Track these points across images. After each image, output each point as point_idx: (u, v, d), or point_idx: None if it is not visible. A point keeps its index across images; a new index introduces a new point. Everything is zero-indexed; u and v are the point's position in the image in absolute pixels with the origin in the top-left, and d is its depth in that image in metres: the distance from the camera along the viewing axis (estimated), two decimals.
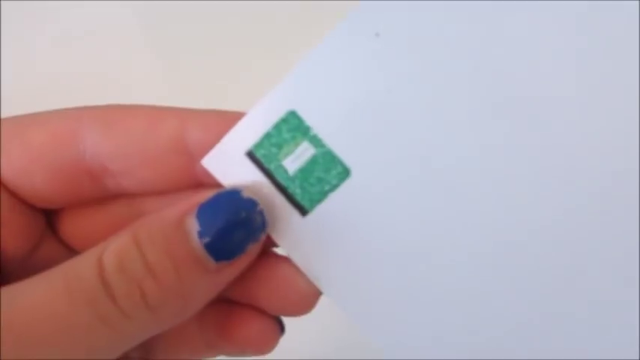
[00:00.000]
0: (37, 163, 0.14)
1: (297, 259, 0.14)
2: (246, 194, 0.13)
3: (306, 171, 0.13)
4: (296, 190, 0.13)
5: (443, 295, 0.15)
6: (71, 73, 0.40)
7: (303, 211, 0.13)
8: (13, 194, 0.14)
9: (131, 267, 0.12)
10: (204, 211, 0.12)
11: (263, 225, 0.13)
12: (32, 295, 0.11)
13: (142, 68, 0.40)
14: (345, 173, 0.13)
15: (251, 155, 0.13)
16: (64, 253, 0.15)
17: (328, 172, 0.13)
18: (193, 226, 0.12)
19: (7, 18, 0.42)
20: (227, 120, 0.13)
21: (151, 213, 0.13)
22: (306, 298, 0.15)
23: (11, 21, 0.42)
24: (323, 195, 0.13)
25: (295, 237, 0.14)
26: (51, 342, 0.11)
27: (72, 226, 0.15)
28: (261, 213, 0.13)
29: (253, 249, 0.13)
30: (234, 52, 0.38)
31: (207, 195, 0.13)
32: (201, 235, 0.12)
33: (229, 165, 0.13)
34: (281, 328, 0.16)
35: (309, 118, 0.13)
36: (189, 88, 0.39)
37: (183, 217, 0.12)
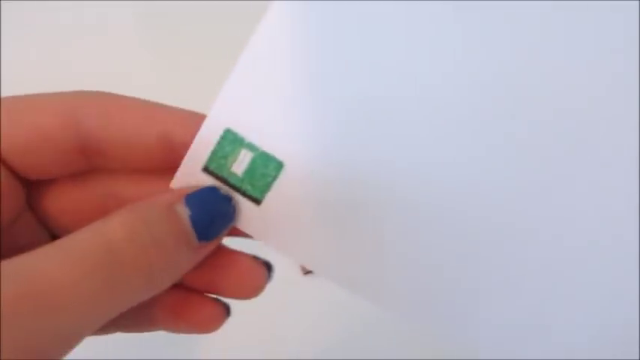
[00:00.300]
0: (38, 140, 0.15)
1: (263, 239, 0.17)
2: (223, 191, 0.16)
3: (250, 171, 0.17)
4: (247, 187, 0.17)
5: (400, 237, 0.18)
6: (71, 73, 0.40)
7: (257, 201, 0.17)
8: (6, 165, 0.15)
9: (140, 239, 0.14)
10: (193, 201, 0.15)
11: (234, 215, 0.16)
12: (47, 265, 0.12)
13: (141, 68, 0.40)
14: (279, 165, 0.17)
15: (207, 170, 0.17)
16: (36, 227, 0.17)
17: (266, 167, 0.16)
18: (184, 210, 0.15)
19: (7, 18, 0.42)
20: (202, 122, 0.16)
21: (123, 193, 0.16)
22: (256, 284, 0.17)
23: (11, 21, 0.42)
24: (268, 185, 0.17)
25: (257, 223, 0.17)
26: (67, 308, 0.12)
27: (49, 201, 0.17)
28: (233, 206, 0.16)
29: (223, 234, 0.16)
30: (233, 53, 0.38)
31: (191, 188, 0.16)
32: (192, 218, 0.15)
33: (193, 181, 0.16)
34: (227, 312, 0.18)
35: (242, 129, 0.16)
36: (188, 88, 0.39)
37: (175, 203, 0.15)
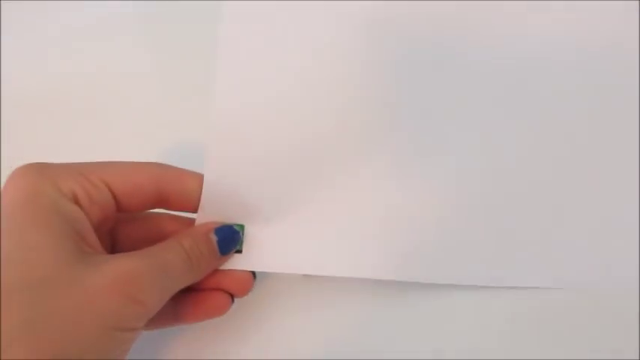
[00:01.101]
0: (136, 190, 0.25)
1: (252, 268, 0.28)
2: (235, 227, 0.27)
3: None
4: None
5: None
6: (71, 73, 0.40)
7: (240, 251, 0.28)
8: (117, 205, 0.24)
9: (195, 251, 0.25)
10: (218, 232, 0.26)
11: (239, 241, 0.27)
12: (167, 257, 0.24)
13: (141, 68, 0.40)
14: (241, 227, 0.28)
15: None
16: (108, 247, 0.26)
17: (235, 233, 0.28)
18: (214, 237, 0.26)
19: (7, 18, 0.42)
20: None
21: (166, 228, 0.27)
22: (246, 281, 0.28)
23: (11, 21, 0.42)
24: (241, 243, 0.28)
25: (244, 262, 0.28)
26: (177, 277, 0.24)
27: (121, 229, 0.27)
28: (239, 235, 0.27)
29: (232, 253, 0.27)
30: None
31: (216, 223, 0.27)
32: (218, 242, 0.26)
33: (210, 218, 0.28)
34: (232, 299, 0.27)
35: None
36: (187, 87, 0.39)
37: (208, 232, 0.26)
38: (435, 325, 0.31)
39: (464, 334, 0.31)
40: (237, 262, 0.27)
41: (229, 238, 0.26)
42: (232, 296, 0.27)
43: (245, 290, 0.28)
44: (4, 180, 0.35)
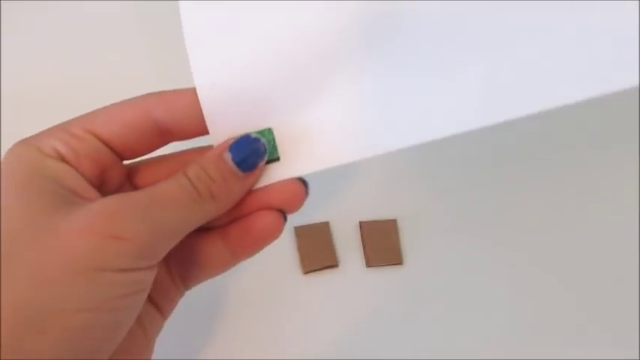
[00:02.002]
0: (127, 130, 0.23)
1: (300, 173, 0.24)
2: (253, 135, 0.23)
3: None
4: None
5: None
6: (70, 73, 0.40)
7: (277, 159, 0.24)
8: (114, 151, 0.23)
9: (203, 178, 0.22)
10: (233, 147, 0.22)
11: (265, 150, 0.23)
12: (162, 188, 0.21)
13: (141, 67, 0.40)
14: (270, 130, 0.24)
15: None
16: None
17: (264, 137, 0.23)
18: (229, 155, 0.22)
19: (7, 18, 0.42)
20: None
21: (192, 161, 0.23)
22: (295, 193, 0.24)
23: (11, 21, 0.42)
24: (274, 147, 0.23)
25: (286, 170, 0.24)
26: (175, 208, 0.21)
27: (140, 178, 0.25)
28: (263, 144, 0.23)
29: (261, 165, 0.23)
30: None
31: (232, 139, 0.23)
32: (233, 159, 0.22)
33: (227, 135, 0.24)
34: (284, 216, 0.24)
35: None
36: (189, 85, 0.39)
37: (222, 152, 0.22)
38: (435, 325, 0.31)
39: (464, 334, 0.31)
40: (277, 172, 0.24)
41: (248, 150, 0.22)
42: (283, 213, 0.24)
43: (296, 202, 0.24)
44: None
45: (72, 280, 0.18)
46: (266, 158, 0.23)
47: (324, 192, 0.33)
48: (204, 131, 0.24)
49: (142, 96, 0.23)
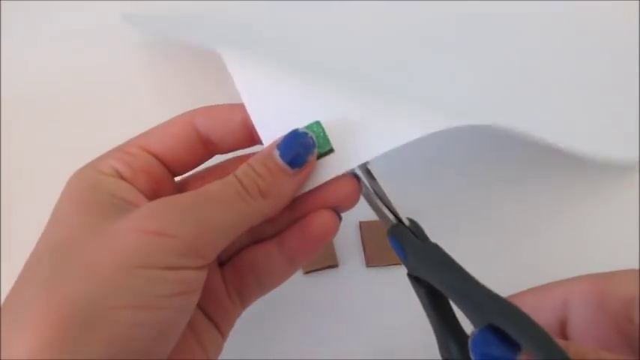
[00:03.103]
0: (175, 143, 0.24)
1: (357, 163, 0.24)
2: (300, 130, 0.23)
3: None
4: (319, 152, 0.23)
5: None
6: (70, 73, 0.40)
7: (332, 151, 0.24)
8: (166, 165, 0.24)
9: (250, 175, 0.22)
10: (281, 144, 0.22)
11: (313, 144, 0.23)
12: (209, 187, 0.22)
13: (140, 68, 0.40)
14: (318, 123, 0.23)
15: None
16: None
17: (314, 130, 0.23)
18: (277, 152, 0.22)
19: (7, 18, 0.42)
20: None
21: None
22: (355, 194, 0.24)
23: (11, 21, 0.42)
24: (326, 139, 0.23)
25: (343, 162, 0.24)
26: (222, 205, 0.21)
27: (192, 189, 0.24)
28: (311, 138, 0.23)
29: (311, 160, 0.23)
30: None
31: (280, 138, 0.23)
32: (282, 156, 0.22)
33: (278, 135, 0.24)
34: (338, 214, 0.24)
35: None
36: (185, 88, 0.39)
37: (271, 150, 0.22)
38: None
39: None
40: (333, 165, 0.23)
41: (296, 145, 0.22)
42: (337, 212, 0.24)
43: (351, 198, 0.24)
44: (4, 179, 0.35)
45: (119, 276, 0.18)
46: (316, 152, 0.23)
47: None
48: (246, 142, 0.25)
49: (188, 111, 0.24)
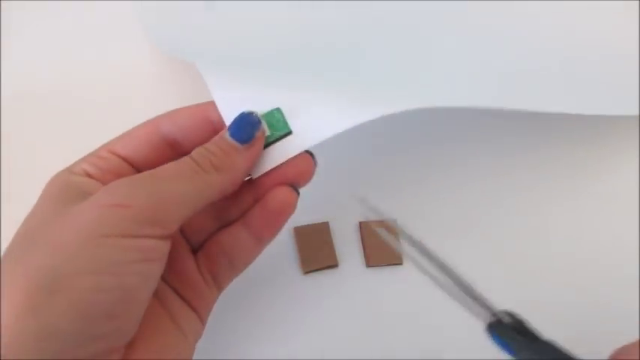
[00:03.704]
0: (141, 144, 0.26)
1: (313, 143, 0.26)
2: (246, 111, 0.25)
3: (270, 126, 0.26)
4: (276, 134, 0.26)
5: None
6: (71, 73, 0.40)
7: (290, 133, 0.26)
8: (134, 166, 0.26)
9: (204, 153, 0.24)
10: (231, 126, 0.25)
11: (258, 122, 0.25)
12: (165, 166, 0.24)
13: (140, 68, 0.40)
14: (278, 110, 0.26)
15: None
16: None
17: (274, 115, 0.26)
18: (227, 133, 0.25)
19: (7, 18, 0.42)
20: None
21: None
22: (309, 169, 0.26)
23: (11, 21, 0.42)
24: (285, 123, 0.26)
25: (300, 141, 0.26)
26: (175, 179, 0.23)
27: None
28: (256, 116, 0.25)
29: (258, 136, 0.25)
30: None
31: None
32: (232, 135, 0.25)
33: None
34: (297, 191, 0.26)
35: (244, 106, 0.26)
36: (187, 88, 0.39)
37: (222, 132, 0.25)
38: (435, 324, 0.31)
39: (464, 334, 0.31)
40: (290, 145, 0.26)
41: (242, 123, 0.25)
42: (295, 188, 0.26)
43: (306, 174, 0.26)
44: (4, 178, 0.35)
45: (82, 245, 0.20)
46: (263, 129, 0.25)
47: (324, 192, 0.33)
48: (208, 140, 0.26)
49: (154, 117, 0.27)
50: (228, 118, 0.26)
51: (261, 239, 0.26)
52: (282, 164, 0.26)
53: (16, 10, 0.42)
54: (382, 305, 0.32)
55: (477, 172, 0.36)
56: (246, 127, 0.25)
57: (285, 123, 0.26)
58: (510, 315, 0.21)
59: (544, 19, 0.38)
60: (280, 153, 0.26)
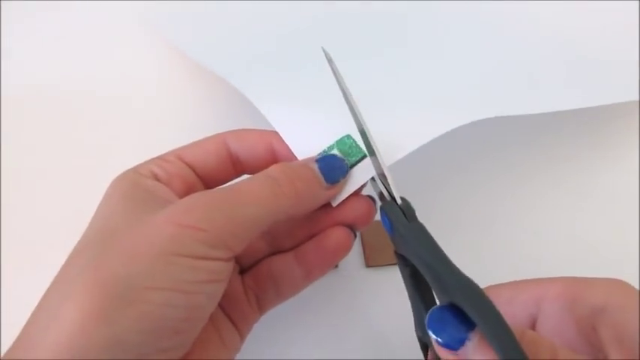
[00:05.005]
0: (209, 156, 0.27)
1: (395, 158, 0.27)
2: (339, 155, 0.26)
3: (344, 153, 0.26)
4: (352, 160, 0.26)
5: None
6: (71, 73, 0.40)
7: (365, 156, 0.26)
8: (198, 175, 0.27)
9: (288, 173, 0.24)
10: (320, 160, 0.25)
11: (346, 170, 0.26)
12: (242, 183, 0.24)
13: (140, 68, 0.40)
14: (349, 136, 0.26)
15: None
16: None
17: (347, 141, 0.26)
18: (315, 165, 0.25)
19: (7, 18, 0.42)
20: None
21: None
22: (370, 213, 0.26)
23: (11, 21, 0.42)
24: (359, 148, 0.26)
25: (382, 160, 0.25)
26: (251, 202, 0.22)
27: None
28: (345, 164, 0.26)
29: (341, 182, 0.25)
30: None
31: (316, 155, 0.26)
32: (320, 169, 0.25)
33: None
34: (353, 231, 0.26)
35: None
36: (187, 88, 0.39)
37: (308, 161, 0.25)
38: None
39: None
40: (367, 169, 0.26)
41: (333, 165, 0.25)
42: (352, 229, 0.26)
43: (367, 217, 0.26)
44: (4, 178, 0.35)
45: (155, 262, 0.20)
46: (347, 177, 0.26)
47: None
48: (269, 159, 0.27)
49: (222, 132, 0.27)
50: (296, 148, 0.26)
51: (310, 274, 0.26)
52: (341, 204, 0.26)
53: (16, 10, 0.42)
54: (382, 305, 0.32)
55: (476, 172, 0.36)
56: (336, 171, 0.25)
57: (359, 147, 0.26)
58: (403, 200, 0.24)
59: (544, 19, 0.38)
60: (358, 177, 0.26)
